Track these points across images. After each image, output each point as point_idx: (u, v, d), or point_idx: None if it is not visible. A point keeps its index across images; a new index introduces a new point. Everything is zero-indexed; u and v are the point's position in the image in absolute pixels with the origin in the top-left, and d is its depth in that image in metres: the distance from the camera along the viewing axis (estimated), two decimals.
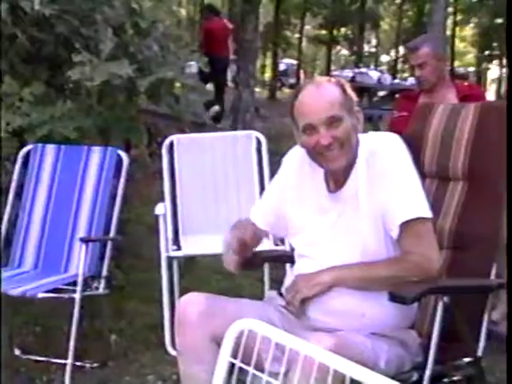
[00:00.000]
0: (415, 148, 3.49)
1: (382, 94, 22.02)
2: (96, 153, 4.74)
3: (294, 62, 47.00)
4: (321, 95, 2.87)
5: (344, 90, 2.91)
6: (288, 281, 3.11)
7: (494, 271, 3.30)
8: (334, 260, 2.93)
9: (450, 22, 40.69)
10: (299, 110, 2.90)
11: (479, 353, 3.19)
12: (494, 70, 51.09)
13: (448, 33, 38.48)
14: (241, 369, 2.08)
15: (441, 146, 3.55)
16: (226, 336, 2.12)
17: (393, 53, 52.96)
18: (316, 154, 2.90)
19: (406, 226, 2.84)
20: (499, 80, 48.81)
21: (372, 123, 13.35)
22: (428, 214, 2.90)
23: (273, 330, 2.04)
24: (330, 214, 2.98)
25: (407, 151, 2.97)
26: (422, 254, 2.88)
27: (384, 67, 52.92)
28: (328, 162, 2.90)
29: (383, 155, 2.93)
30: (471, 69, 51.45)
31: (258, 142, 5.01)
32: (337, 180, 2.98)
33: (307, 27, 50.25)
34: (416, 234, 2.87)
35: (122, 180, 4.62)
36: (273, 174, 3.45)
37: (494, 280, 3.29)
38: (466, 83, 6.93)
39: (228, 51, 15.47)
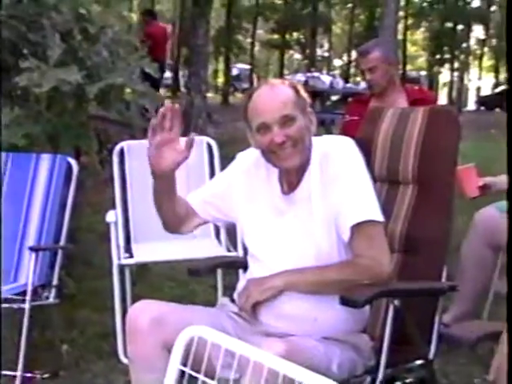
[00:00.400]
0: (366, 152, 3.50)
1: (334, 98, 22.12)
2: (45, 160, 4.70)
3: (247, 66, 47.24)
4: (274, 95, 2.89)
5: (297, 91, 2.94)
6: (240, 286, 3.12)
7: (444, 274, 3.35)
8: (287, 263, 2.94)
9: (401, 26, 41.06)
10: (253, 111, 2.92)
11: (431, 355, 3.24)
12: (446, 74, 51.49)
13: (399, 37, 38.90)
14: (192, 376, 2.09)
15: (390, 149, 3.58)
16: (175, 343, 2.12)
17: (345, 57, 53.29)
18: (270, 153, 2.92)
19: (357, 228, 2.86)
20: (451, 83, 49.23)
21: (325, 127, 13.41)
22: (379, 217, 2.92)
23: (222, 336, 2.04)
24: (284, 216, 2.99)
25: (360, 155, 3.00)
26: (373, 257, 2.90)
27: (337, 71, 53.29)
28: (281, 161, 2.91)
29: (336, 158, 2.95)
30: (423, 72, 51.94)
31: (210, 148, 5.01)
32: (290, 182, 3.00)
33: (259, 32, 50.40)
34: (367, 236, 2.89)
35: (72, 188, 4.60)
36: None
37: (444, 283, 3.33)
38: (416, 87, 6.96)
39: (165, 56, 15.47)
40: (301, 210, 2.95)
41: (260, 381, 1.93)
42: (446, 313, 4.61)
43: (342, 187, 2.89)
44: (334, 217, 2.89)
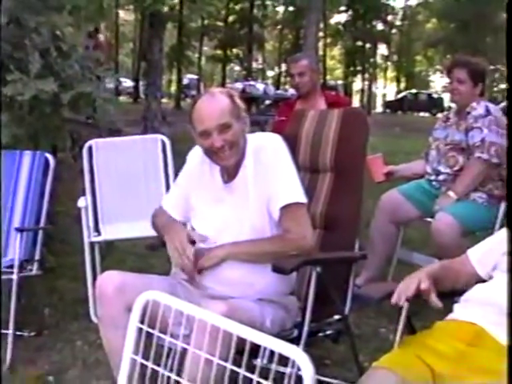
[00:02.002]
0: (292, 146, 3.51)
1: (267, 102, 22.11)
2: (27, 156, 4.66)
3: (195, 76, 47.30)
4: (214, 105, 2.88)
5: (233, 100, 2.93)
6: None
7: (357, 246, 3.37)
8: (227, 239, 2.95)
9: (321, 44, 41.26)
10: (196, 118, 2.91)
11: (346, 311, 3.26)
12: (358, 83, 51.86)
13: (320, 52, 39.10)
14: (149, 332, 2.08)
15: (312, 144, 3.58)
16: (134, 305, 2.11)
17: (276, 69, 53.39)
18: (211, 154, 2.92)
19: (285, 209, 2.89)
20: (362, 91, 49.57)
21: (260, 127, 13.42)
22: (303, 199, 2.95)
23: (173, 299, 2.04)
24: (225, 202, 2.99)
25: (286, 148, 3.01)
26: (299, 232, 2.93)
27: (269, 80, 53.30)
28: (221, 160, 2.93)
29: (267, 151, 2.97)
30: (340, 81, 52.21)
31: (164, 144, 4.97)
32: (229, 173, 3.00)
33: (205, 48, 50.43)
34: (294, 215, 2.92)
35: (50, 179, 4.56)
36: (177, 170, 3.44)
37: (356, 253, 3.36)
38: (333, 93, 7.01)
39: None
40: (238, 196, 2.96)
41: (205, 335, 1.92)
42: (359, 277, 4.65)
43: (272, 175, 2.91)
44: (266, 200, 2.91)
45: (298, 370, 1.64)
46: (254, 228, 2.93)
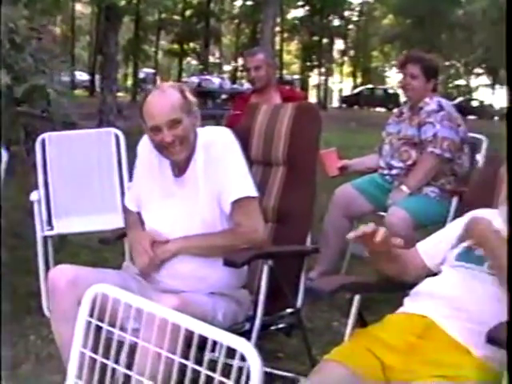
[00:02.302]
0: (245, 140, 3.53)
1: (224, 96, 22.09)
2: None
3: (152, 70, 47.16)
4: (164, 100, 2.87)
5: (184, 95, 2.92)
6: None
7: (309, 239, 3.38)
8: (178, 233, 2.94)
9: (278, 38, 41.35)
10: (147, 113, 2.90)
11: (298, 305, 3.27)
12: (315, 78, 52.03)
13: (277, 47, 39.18)
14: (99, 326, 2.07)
15: (265, 137, 3.58)
16: (83, 299, 2.10)
17: (233, 63, 53.35)
18: (162, 148, 2.91)
19: (236, 203, 2.90)
20: (318, 85, 49.74)
21: (215, 121, 13.43)
22: (254, 193, 2.96)
23: (121, 292, 2.02)
24: (175, 196, 2.99)
25: (237, 142, 3.02)
26: (250, 226, 2.94)
27: (226, 75, 53.24)
28: (171, 155, 2.93)
29: (217, 145, 2.97)
30: (296, 76, 52.35)
31: (118, 138, 4.94)
32: (180, 168, 2.99)
33: (162, 42, 50.24)
34: (245, 210, 2.92)
35: (2, 173, 4.50)
36: (131, 164, 3.43)
37: (309, 246, 3.38)
38: (288, 87, 7.04)
39: None
40: (189, 190, 2.95)
41: (153, 328, 1.92)
42: (313, 271, 4.67)
43: (222, 169, 2.91)
44: (217, 194, 2.91)
45: (243, 360, 1.65)
46: (204, 222, 2.93)
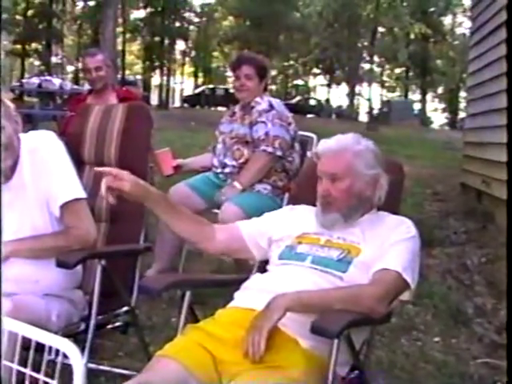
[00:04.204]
0: (76, 141, 3.49)
1: (65, 97, 21.64)
2: None
3: None
4: None
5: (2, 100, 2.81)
6: None
7: (142, 237, 3.39)
8: (8, 236, 2.84)
9: (120, 39, 40.96)
10: None
11: (133, 303, 3.26)
12: (157, 78, 51.85)
13: (119, 47, 38.78)
14: None
15: (97, 138, 3.56)
16: None
17: (76, 64, 52.43)
18: None
19: (65, 206, 2.88)
20: (161, 86, 49.54)
21: (56, 122, 13.19)
22: (82, 194, 2.95)
23: None
24: (2, 201, 2.89)
25: (61, 145, 2.99)
26: (81, 227, 2.93)
27: (69, 75, 52.28)
28: None
29: (41, 150, 2.93)
30: (139, 77, 52.05)
31: None
32: (6, 174, 2.87)
33: (4, 42, 48.84)
34: (74, 211, 2.91)
35: None
36: None
37: (141, 245, 3.38)
38: (124, 88, 6.99)
39: None
40: (16, 196, 2.87)
41: None
42: (151, 268, 4.66)
43: (48, 174, 2.89)
44: (45, 199, 2.88)
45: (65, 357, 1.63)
46: (35, 228, 2.89)
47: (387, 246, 2.55)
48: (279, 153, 4.53)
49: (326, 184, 2.63)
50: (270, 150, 4.51)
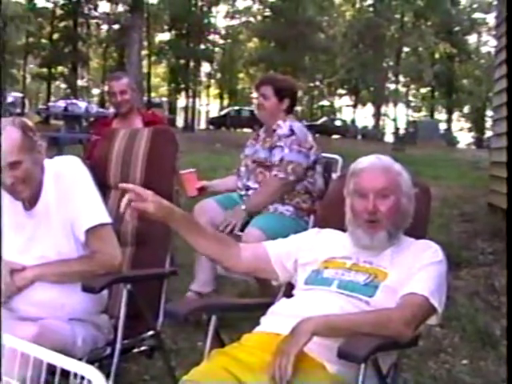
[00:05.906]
0: (102, 165, 3.50)
1: (91, 120, 21.80)
2: None
3: (20, 94, 46.52)
4: (3, 142, 2.70)
5: (25, 132, 2.83)
6: None
7: (168, 261, 3.39)
8: (32, 263, 2.86)
9: (146, 62, 41.30)
10: None
11: (158, 327, 3.25)
12: (183, 100, 52.14)
13: (145, 70, 39.11)
14: None
15: (122, 162, 3.58)
16: None
17: (102, 86, 52.90)
18: (5, 188, 2.81)
19: (91, 231, 2.90)
20: (186, 107, 49.80)
21: (82, 145, 13.22)
22: (107, 219, 2.96)
23: None
24: (26, 228, 2.92)
25: (86, 170, 3.01)
26: (106, 252, 2.93)
27: (95, 98, 52.77)
28: (14, 194, 2.86)
29: (65, 177, 2.95)
30: (164, 99, 52.36)
31: None
32: (30, 201, 2.93)
33: (31, 66, 49.47)
34: (99, 236, 2.93)
35: None
36: None
37: (167, 269, 3.37)
38: (150, 111, 7.03)
39: None
40: (40, 222, 2.90)
41: (15, 364, 1.83)
42: (189, 291, 4.63)
43: (72, 200, 2.90)
44: (70, 224, 2.89)
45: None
46: (60, 253, 2.89)
47: (415, 270, 2.53)
48: (292, 178, 4.49)
49: (373, 200, 2.59)
50: (281, 175, 4.48)
